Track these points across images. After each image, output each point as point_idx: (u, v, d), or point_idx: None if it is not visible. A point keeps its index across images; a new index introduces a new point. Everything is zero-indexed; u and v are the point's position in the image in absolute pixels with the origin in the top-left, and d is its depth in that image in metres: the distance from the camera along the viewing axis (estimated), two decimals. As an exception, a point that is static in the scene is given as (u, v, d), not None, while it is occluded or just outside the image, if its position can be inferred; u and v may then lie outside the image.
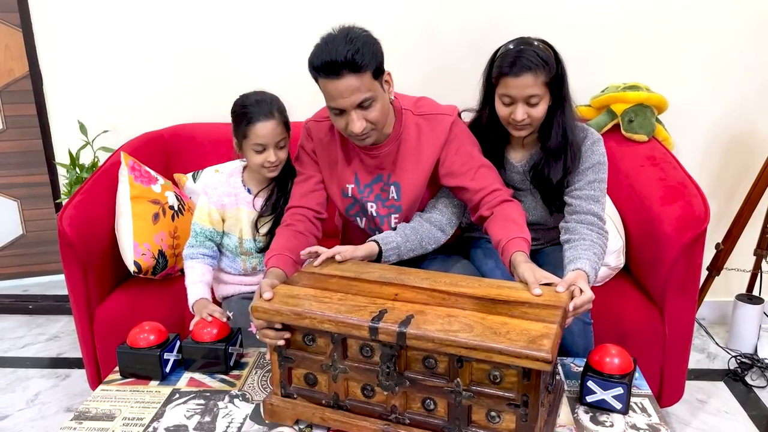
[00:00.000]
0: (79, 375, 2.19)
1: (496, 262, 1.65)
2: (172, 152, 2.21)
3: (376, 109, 1.39)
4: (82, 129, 2.24)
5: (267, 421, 1.27)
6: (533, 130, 1.54)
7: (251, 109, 1.52)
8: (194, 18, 2.25)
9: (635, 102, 1.99)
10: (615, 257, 1.82)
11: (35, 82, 2.38)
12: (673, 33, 2.17)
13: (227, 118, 2.36)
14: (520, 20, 2.15)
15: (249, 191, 1.64)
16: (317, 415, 1.23)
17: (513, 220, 1.44)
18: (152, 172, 1.91)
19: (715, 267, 2.12)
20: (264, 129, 1.51)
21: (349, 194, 1.59)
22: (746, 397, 1.99)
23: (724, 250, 2.10)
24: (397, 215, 1.59)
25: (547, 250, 1.75)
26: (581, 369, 1.43)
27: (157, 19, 2.26)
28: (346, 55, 1.29)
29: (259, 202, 1.64)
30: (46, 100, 2.37)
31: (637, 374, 1.39)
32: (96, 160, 2.27)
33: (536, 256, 1.81)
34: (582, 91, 1.93)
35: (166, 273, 1.86)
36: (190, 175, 2.13)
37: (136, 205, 1.79)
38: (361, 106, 1.36)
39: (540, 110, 1.47)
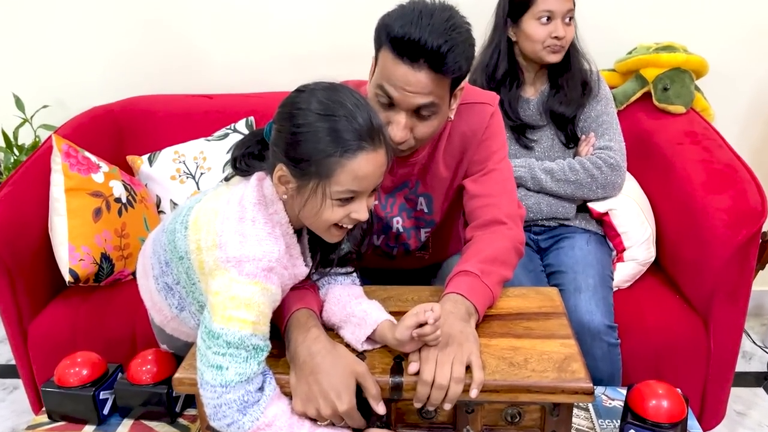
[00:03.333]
0: (29, 387, 1.92)
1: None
2: (124, 130, 1.89)
3: (431, 125, 1.06)
4: (19, 104, 1.91)
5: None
6: (563, 56, 1.56)
7: (352, 125, 0.85)
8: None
9: (670, 66, 1.67)
10: (644, 249, 1.55)
11: (-34, 48, 2.04)
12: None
13: (189, 89, 2.07)
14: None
15: (305, 260, 1.01)
16: None
17: (479, 250, 1.09)
18: (93, 158, 1.60)
19: (760, 260, 1.84)
20: (369, 165, 0.87)
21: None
22: (790, 407, 1.74)
23: (770, 238, 1.82)
24: (427, 230, 1.29)
25: (553, 254, 1.58)
26: (614, 403, 1.18)
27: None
28: (440, 47, 0.95)
29: None
30: (-20, 70, 2.04)
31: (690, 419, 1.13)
32: (37, 140, 1.95)
33: (545, 253, 1.61)
34: (605, 53, 1.71)
35: (114, 279, 1.56)
36: (145, 157, 1.82)
37: (72, 200, 1.49)
38: (418, 112, 1.03)
39: (572, 30, 1.55)
